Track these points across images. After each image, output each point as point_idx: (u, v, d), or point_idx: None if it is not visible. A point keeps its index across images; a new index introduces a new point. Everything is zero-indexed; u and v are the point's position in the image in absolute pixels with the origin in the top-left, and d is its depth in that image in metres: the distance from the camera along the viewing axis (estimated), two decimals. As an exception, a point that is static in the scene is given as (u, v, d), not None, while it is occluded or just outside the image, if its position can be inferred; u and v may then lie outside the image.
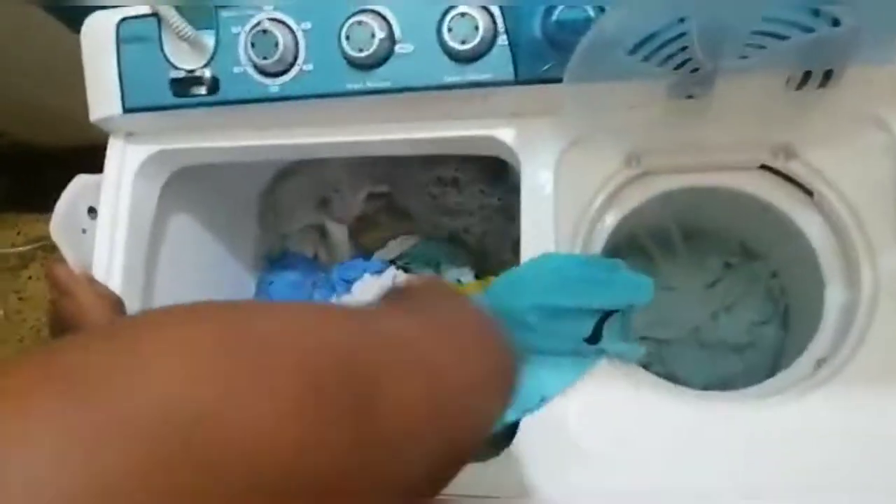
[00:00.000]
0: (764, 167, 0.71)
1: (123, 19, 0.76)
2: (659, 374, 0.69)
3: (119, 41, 0.76)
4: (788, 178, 0.70)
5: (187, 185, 0.93)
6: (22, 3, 0.94)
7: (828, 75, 0.59)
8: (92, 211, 0.83)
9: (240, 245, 1.16)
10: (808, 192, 0.69)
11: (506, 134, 0.72)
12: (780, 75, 0.62)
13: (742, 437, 0.59)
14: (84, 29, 0.78)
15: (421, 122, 0.74)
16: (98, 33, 0.77)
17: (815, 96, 0.63)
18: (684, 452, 0.59)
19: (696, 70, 0.59)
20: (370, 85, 0.70)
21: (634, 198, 0.75)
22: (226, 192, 1.07)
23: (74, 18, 0.79)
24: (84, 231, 0.81)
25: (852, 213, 0.65)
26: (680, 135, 0.70)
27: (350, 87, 0.70)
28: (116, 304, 0.70)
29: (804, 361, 0.67)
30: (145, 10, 0.75)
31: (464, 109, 0.72)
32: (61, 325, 0.67)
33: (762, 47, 0.55)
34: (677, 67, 0.59)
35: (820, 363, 0.65)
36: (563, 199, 0.71)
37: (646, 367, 0.72)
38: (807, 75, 0.60)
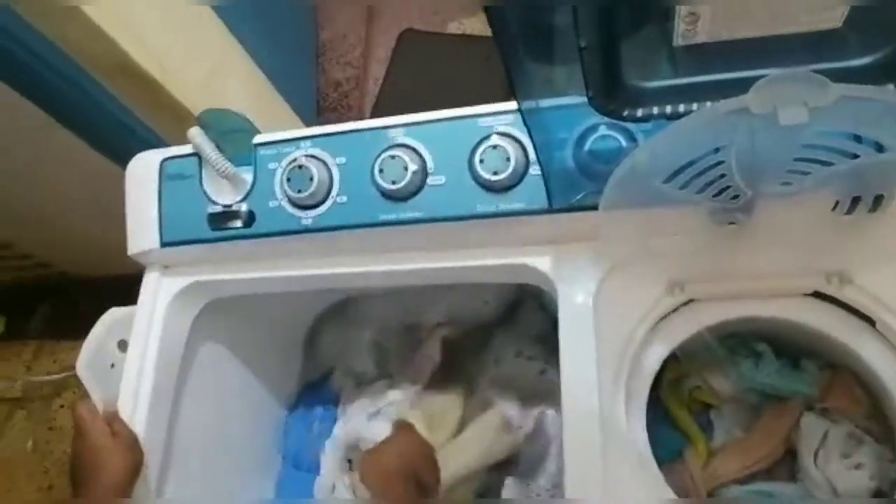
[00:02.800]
0: (817, 294, 0.68)
1: (167, 158, 0.80)
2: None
3: (161, 179, 0.80)
4: (845, 305, 0.67)
5: (221, 317, 0.93)
6: (66, 135, 1.00)
7: (878, 199, 0.58)
8: (122, 344, 0.83)
9: (276, 380, 1.14)
10: (869, 320, 0.65)
11: (541, 262, 0.71)
12: (828, 199, 0.61)
13: None
14: (130, 166, 0.82)
15: (455, 251, 0.74)
16: (142, 171, 0.81)
17: (867, 220, 0.61)
18: None
19: (736, 197, 0.58)
20: (403, 216, 0.71)
21: (680, 329, 0.72)
22: (265, 326, 1.07)
23: (121, 156, 0.83)
24: (112, 366, 0.81)
25: (921, 341, 0.61)
26: (725, 261, 0.68)
27: (383, 217, 0.71)
28: (131, 444, 0.70)
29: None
30: (188, 149, 0.79)
31: (498, 238, 0.72)
32: (76, 462, 0.67)
33: (805, 173, 0.54)
34: (716, 195, 0.58)
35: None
36: (605, 330, 0.68)
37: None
38: (856, 200, 0.59)
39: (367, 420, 1.02)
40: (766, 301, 0.70)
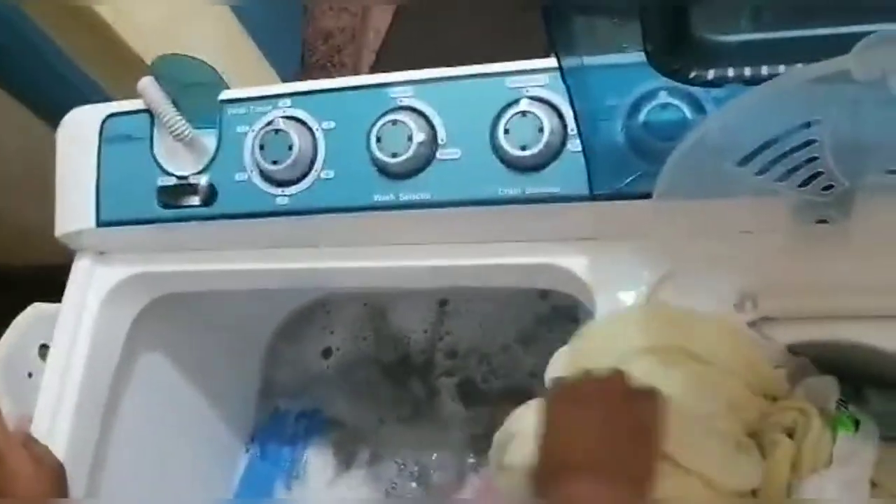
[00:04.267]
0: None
1: (110, 115, 0.80)
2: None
3: (102, 141, 0.80)
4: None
5: (170, 319, 0.94)
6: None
7: None
8: (44, 348, 0.83)
9: (237, 396, 1.15)
10: None
11: (576, 263, 0.71)
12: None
13: None
14: (63, 124, 0.82)
15: (467, 246, 0.74)
16: (78, 130, 0.81)
17: None
18: None
19: (828, 188, 0.58)
20: (405, 198, 0.71)
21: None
22: (222, 333, 1.08)
23: (55, 114, 0.83)
24: (30, 375, 0.81)
25: None
26: (810, 271, 0.68)
27: (379, 199, 0.71)
28: (54, 474, 0.69)
29: None
30: (138, 105, 0.79)
31: (522, 230, 0.72)
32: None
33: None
34: (803, 184, 0.57)
35: None
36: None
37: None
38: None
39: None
40: (861, 322, 0.70)
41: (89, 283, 0.84)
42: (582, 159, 0.65)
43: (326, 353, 1.18)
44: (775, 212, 0.64)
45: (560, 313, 1.05)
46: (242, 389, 1.17)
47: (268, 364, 1.19)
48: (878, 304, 0.67)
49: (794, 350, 0.71)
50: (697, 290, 0.69)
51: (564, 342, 0.69)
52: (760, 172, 0.56)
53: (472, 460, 1.04)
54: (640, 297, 0.69)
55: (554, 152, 0.67)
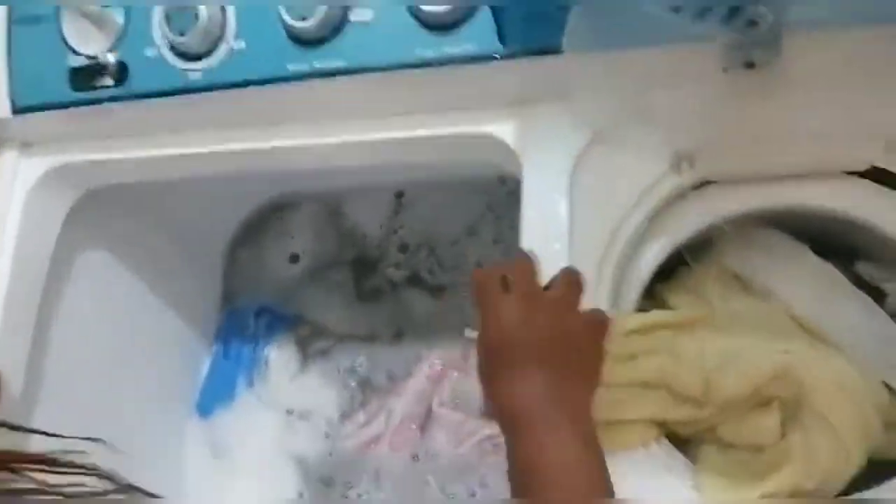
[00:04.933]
0: (876, 171, 0.63)
1: (17, -5, 0.75)
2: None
3: (11, 23, 0.75)
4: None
5: (110, 216, 0.91)
6: None
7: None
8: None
9: (199, 301, 1.13)
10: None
11: (503, 129, 0.67)
12: (878, 33, 0.56)
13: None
14: (-31, 10, 0.77)
15: (390, 119, 0.70)
16: (-15, 14, 0.76)
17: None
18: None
19: (753, 24, 0.53)
20: (318, 65, 0.66)
21: (689, 220, 0.68)
22: (173, 233, 1.05)
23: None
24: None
25: None
26: (746, 125, 0.63)
27: (293, 68, 0.67)
28: None
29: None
30: (43, -17, 0.74)
31: (445, 97, 0.67)
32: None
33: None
34: (726, 20, 0.53)
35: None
36: (584, 220, 0.64)
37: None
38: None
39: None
40: (805, 184, 0.66)
41: (14, 176, 0.80)
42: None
43: (294, 258, 1.15)
44: (703, 61, 0.60)
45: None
46: (203, 294, 1.15)
47: (229, 271, 1.17)
48: (817, 157, 0.63)
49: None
50: (629, 152, 0.65)
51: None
52: (676, 10, 0.51)
53: (424, 350, 1.02)
54: (569, 160, 0.65)
55: (470, 8, 0.62)
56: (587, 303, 0.57)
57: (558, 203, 0.64)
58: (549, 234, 0.64)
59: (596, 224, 0.65)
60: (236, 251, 1.17)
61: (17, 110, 0.76)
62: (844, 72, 0.59)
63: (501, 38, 0.61)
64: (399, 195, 1.11)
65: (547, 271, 0.61)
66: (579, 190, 0.65)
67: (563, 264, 0.62)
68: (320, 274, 1.13)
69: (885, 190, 0.63)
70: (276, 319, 1.11)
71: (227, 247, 1.16)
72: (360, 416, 1.03)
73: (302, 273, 1.14)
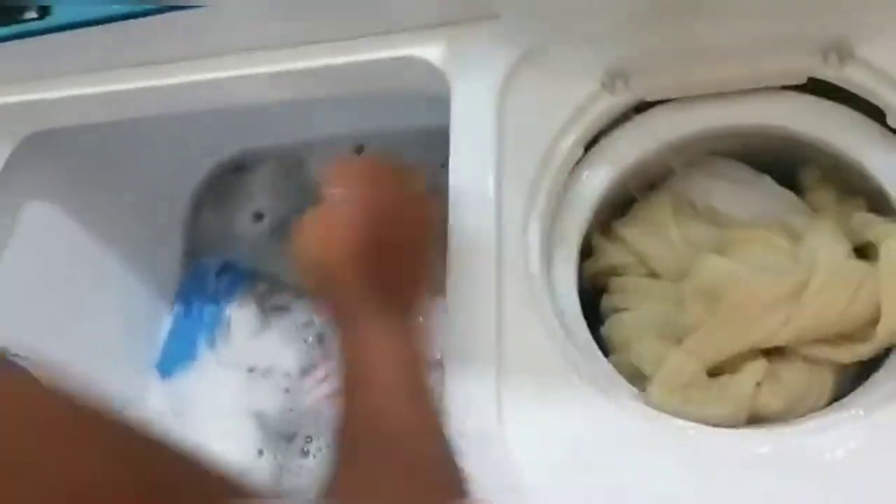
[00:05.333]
0: (812, 83, 0.59)
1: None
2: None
3: (-68, -41, 0.73)
4: (848, 98, 0.58)
5: (55, 165, 0.89)
6: None
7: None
8: None
9: (160, 259, 1.11)
10: (879, 113, 0.57)
11: (429, 51, 0.64)
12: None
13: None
14: None
15: (323, 46, 0.67)
16: None
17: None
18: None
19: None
20: (235, -13, 0.63)
21: (630, 144, 0.65)
22: (134, 191, 1.02)
23: None
24: None
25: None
26: (681, 40, 0.60)
27: (210, -8, 0.64)
28: None
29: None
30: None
31: (371, 19, 0.64)
32: None
33: None
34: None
35: None
36: (513, 143, 0.61)
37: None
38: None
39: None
40: (748, 100, 0.62)
41: (-55, 121, 0.78)
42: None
43: (258, 216, 1.13)
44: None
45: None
46: (163, 253, 1.12)
47: (193, 232, 1.15)
48: (756, 69, 0.60)
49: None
50: (560, 69, 0.62)
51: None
52: None
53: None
54: (497, 81, 0.62)
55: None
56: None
57: (486, 126, 0.61)
58: (477, 158, 0.61)
59: (526, 146, 0.61)
60: (200, 212, 1.15)
61: (-59, 50, 0.73)
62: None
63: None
64: (359, 150, 1.07)
65: (476, 195, 0.58)
66: (509, 112, 0.62)
67: (492, 189, 0.60)
68: (283, 230, 1.10)
69: (826, 102, 0.59)
70: (239, 277, 1.09)
71: (188, 205, 1.14)
72: (320, 372, 1.00)
73: (266, 231, 1.12)
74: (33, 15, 0.70)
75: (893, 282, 0.53)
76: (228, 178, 1.14)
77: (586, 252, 0.67)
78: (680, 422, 0.51)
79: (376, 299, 0.47)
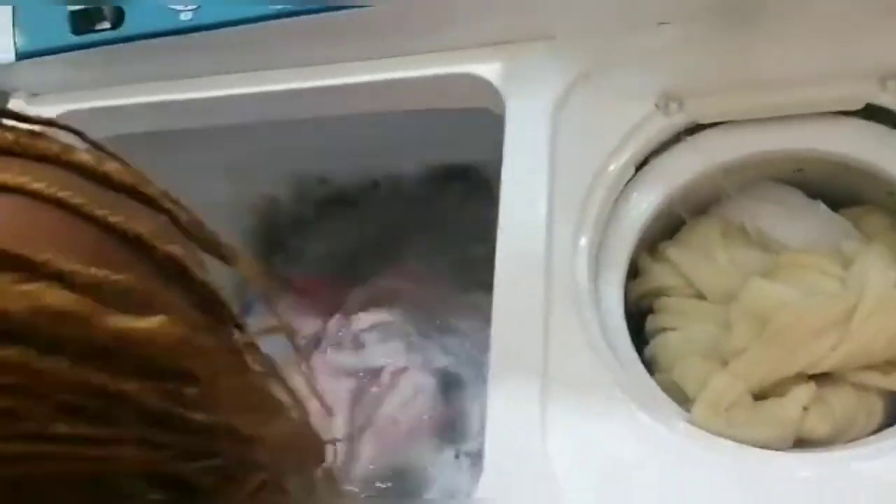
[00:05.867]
0: (869, 110, 0.59)
1: (20, -57, 0.76)
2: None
3: (14, -28, 0.76)
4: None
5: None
6: None
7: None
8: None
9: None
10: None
11: (488, 69, 0.64)
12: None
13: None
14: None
15: (379, 61, 0.68)
16: (-7, -37, 0.77)
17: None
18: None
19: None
20: (299, 5, 0.65)
21: (682, 165, 0.64)
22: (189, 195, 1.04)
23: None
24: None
25: None
26: (737, 64, 0.60)
27: (280, 6, 0.66)
28: None
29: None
30: (46, -69, 0.74)
31: (431, 36, 0.65)
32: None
33: None
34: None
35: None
36: (566, 159, 0.61)
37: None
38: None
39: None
40: (803, 125, 0.62)
41: (24, 124, 0.81)
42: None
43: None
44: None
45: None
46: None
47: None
48: (812, 96, 0.59)
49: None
50: (614, 91, 0.62)
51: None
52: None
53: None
54: (552, 100, 0.62)
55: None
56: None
57: (539, 144, 0.62)
58: (528, 175, 0.61)
59: (578, 165, 0.62)
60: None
61: (20, 55, 0.76)
62: (833, 8, 0.55)
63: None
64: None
65: (526, 213, 0.59)
66: (562, 131, 0.62)
67: (543, 197, 0.60)
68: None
69: (882, 128, 0.58)
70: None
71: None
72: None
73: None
74: (107, 24, 0.72)
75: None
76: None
77: (633, 273, 0.67)
78: (726, 442, 0.51)
79: None
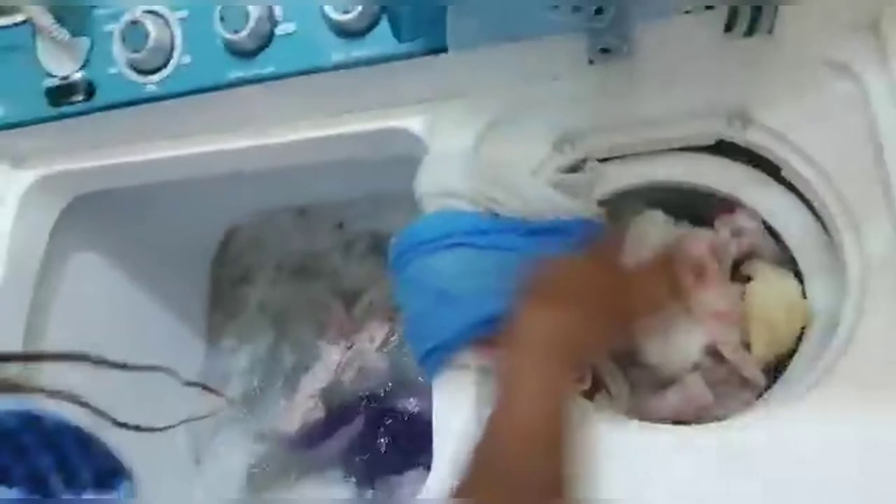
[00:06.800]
0: (722, 144, 0.66)
1: (-3, 29, 0.79)
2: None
3: (-8, 52, 0.79)
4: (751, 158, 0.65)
5: (100, 222, 0.94)
6: None
7: (757, 13, 0.56)
8: (-30, 247, 0.83)
9: (190, 304, 1.15)
10: (775, 169, 0.64)
11: (413, 122, 0.70)
12: (712, 20, 0.59)
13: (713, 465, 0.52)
14: (-38, 44, 0.81)
15: (320, 120, 0.74)
16: (-27, 48, 0.80)
17: (759, 44, 0.60)
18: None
19: (600, 11, 0.57)
20: (252, 72, 0.70)
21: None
22: (160, 238, 1.07)
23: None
24: (-45, 269, 0.81)
25: (826, 181, 0.60)
26: (615, 108, 0.67)
27: (231, 76, 0.71)
28: None
29: (789, 379, 0.60)
30: (21, 17, 0.78)
31: (363, 98, 0.71)
32: None
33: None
34: (577, 9, 0.57)
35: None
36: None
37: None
38: (734, 14, 0.57)
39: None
40: (672, 160, 0.69)
41: (6, 187, 0.84)
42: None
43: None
44: (572, 53, 0.63)
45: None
46: (194, 297, 1.17)
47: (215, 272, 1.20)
48: (674, 133, 0.67)
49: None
50: (519, 135, 0.69)
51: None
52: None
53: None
54: (469, 144, 0.68)
55: (373, 16, 0.66)
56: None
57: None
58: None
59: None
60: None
61: (2, 126, 0.79)
62: (687, 58, 0.63)
63: (399, 38, 0.64)
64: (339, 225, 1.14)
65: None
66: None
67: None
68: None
69: (729, 161, 0.66)
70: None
71: (211, 254, 1.19)
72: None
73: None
74: (80, 97, 0.76)
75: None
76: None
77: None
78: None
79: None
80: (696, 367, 0.62)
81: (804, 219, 0.64)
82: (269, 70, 0.70)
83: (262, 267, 1.18)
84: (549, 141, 0.69)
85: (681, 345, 0.61)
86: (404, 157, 0.72)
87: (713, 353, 0.62)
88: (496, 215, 0.64)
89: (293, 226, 1.15)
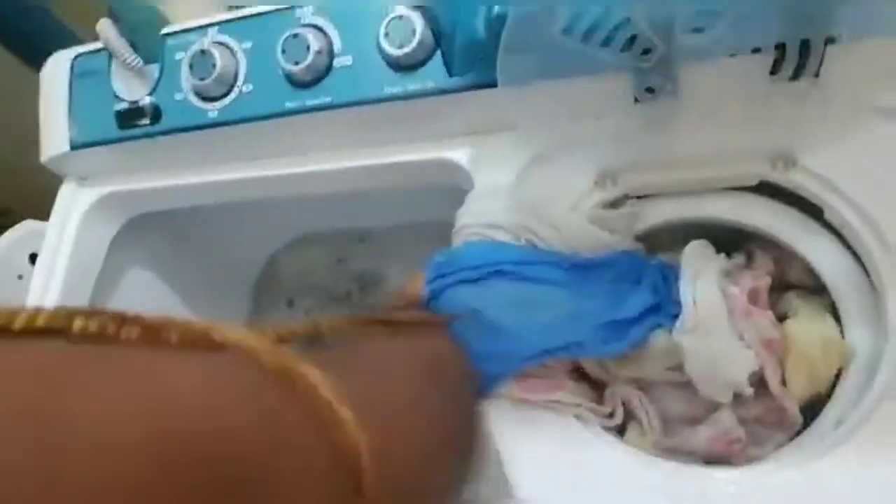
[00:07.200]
0: (762, 186, 0.65)
1: (79, 55, 0.82)
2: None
3: (73, 77, 0.82)
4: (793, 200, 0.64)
5: (152, 239, 0.96)
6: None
7: (804, 54, 0.55)
8: (35, 257, 0.85)
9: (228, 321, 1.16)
10: (818, 211, 0.62)
11: (460, 154, 0.70)
12: (758, 63, 0.59)
13: None
14: (45, 68, 0.85)
15: (370, 149, 0.74)
16: (55, 71, 0.84)
17: (804, 87, 0.59)
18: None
19: (648, 52, 0.57)
20: (309, 102, 0.71)
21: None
22: (207, 258, 1.09)
23: (39, 59, 0.86)
24: (20, 277, 0.83)
25: (870, 227, 0.58)
26: (658, 146, 0.66)
27: (289, 105, 0.72)
28: None
29: (823, 422, 0.57)
30: (100, 45, 0.81)
31: (412, 130, 0.71)
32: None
33: (716, 13, 0.52)
34: (625, 49, 0.56)
35: (839, 423, 0.55)
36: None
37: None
38: (781, 57, 0.56)
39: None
40: (715, 198, 0.67)
41: (71, 203, 0.86)
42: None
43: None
44: (617, 91, 0.63)
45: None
46: (236, 321, 1.18)
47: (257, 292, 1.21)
48: (716, 173, 0.65)
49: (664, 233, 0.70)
50: (560, 171, 0.68)
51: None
52: (585, 39, 0.55)
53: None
54: (512, 177, 0.68)
55: (428, 50, 0.67)
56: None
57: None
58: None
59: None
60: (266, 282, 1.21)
61: (74, 147, 0.81)
62: (732, 99, 0.62)
63: (449, 68, 0.65)
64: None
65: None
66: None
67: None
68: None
69: (773, 202, 0.64)
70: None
71: (255, 281, 1.20)
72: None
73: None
74: (147, 121, 0.78)
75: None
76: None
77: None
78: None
79: None
80: (735, 397, 0.60)
81: (845, 262, 0.61)
82: (325, 100, 0.71)
83: (306, 293, 1.19)
84: (590, 177, 0.68)
85: (729, 368, 0.58)
86: (445, 187, 0.73)
87: (756, 383, 0.60)
88: (535, 248, 0.63)
89: (338, 252, 1.16)
